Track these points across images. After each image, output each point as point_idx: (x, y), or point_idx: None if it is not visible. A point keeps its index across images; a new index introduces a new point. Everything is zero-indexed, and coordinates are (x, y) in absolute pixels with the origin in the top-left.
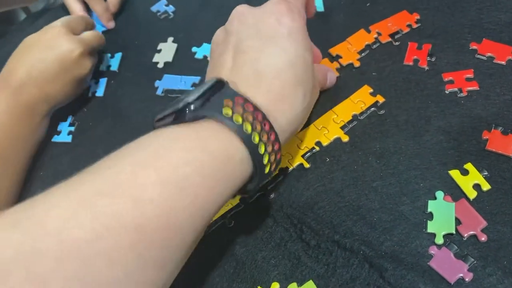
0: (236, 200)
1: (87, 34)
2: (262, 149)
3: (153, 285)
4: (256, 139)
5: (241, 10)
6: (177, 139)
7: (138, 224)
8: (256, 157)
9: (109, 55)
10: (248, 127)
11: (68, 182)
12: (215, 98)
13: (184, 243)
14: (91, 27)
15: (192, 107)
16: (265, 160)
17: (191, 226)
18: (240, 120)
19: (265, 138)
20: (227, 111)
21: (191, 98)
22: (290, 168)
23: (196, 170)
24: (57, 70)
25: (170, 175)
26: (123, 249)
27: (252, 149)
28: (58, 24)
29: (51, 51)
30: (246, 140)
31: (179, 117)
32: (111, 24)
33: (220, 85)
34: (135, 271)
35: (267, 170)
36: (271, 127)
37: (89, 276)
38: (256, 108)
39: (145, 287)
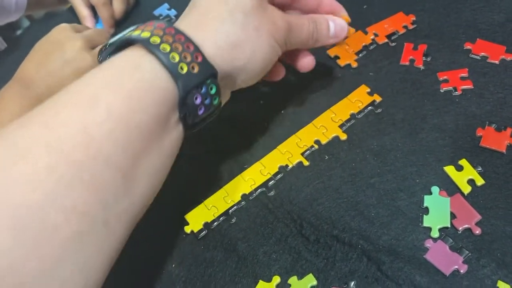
0: (238, 198)
1: (89, 31)
2: (167, 48)
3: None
4: (157, 40)
5: None
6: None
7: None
8: (159, 55)
9: None
10: (147, 34)
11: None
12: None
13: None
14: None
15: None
16: (175, 59)
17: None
18: (147, 34)
19: (169, 39)
20: (136, 32)
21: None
22: (290, 166)
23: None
24: (59, 64)
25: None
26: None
27: (152, 48)
28: (62, 24)
29: (54, 46)
30: (146, 43)
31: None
32: (112, 30)
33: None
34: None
35: (184, 70)
36: (177, 30)
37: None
38: (168, 25)
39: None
